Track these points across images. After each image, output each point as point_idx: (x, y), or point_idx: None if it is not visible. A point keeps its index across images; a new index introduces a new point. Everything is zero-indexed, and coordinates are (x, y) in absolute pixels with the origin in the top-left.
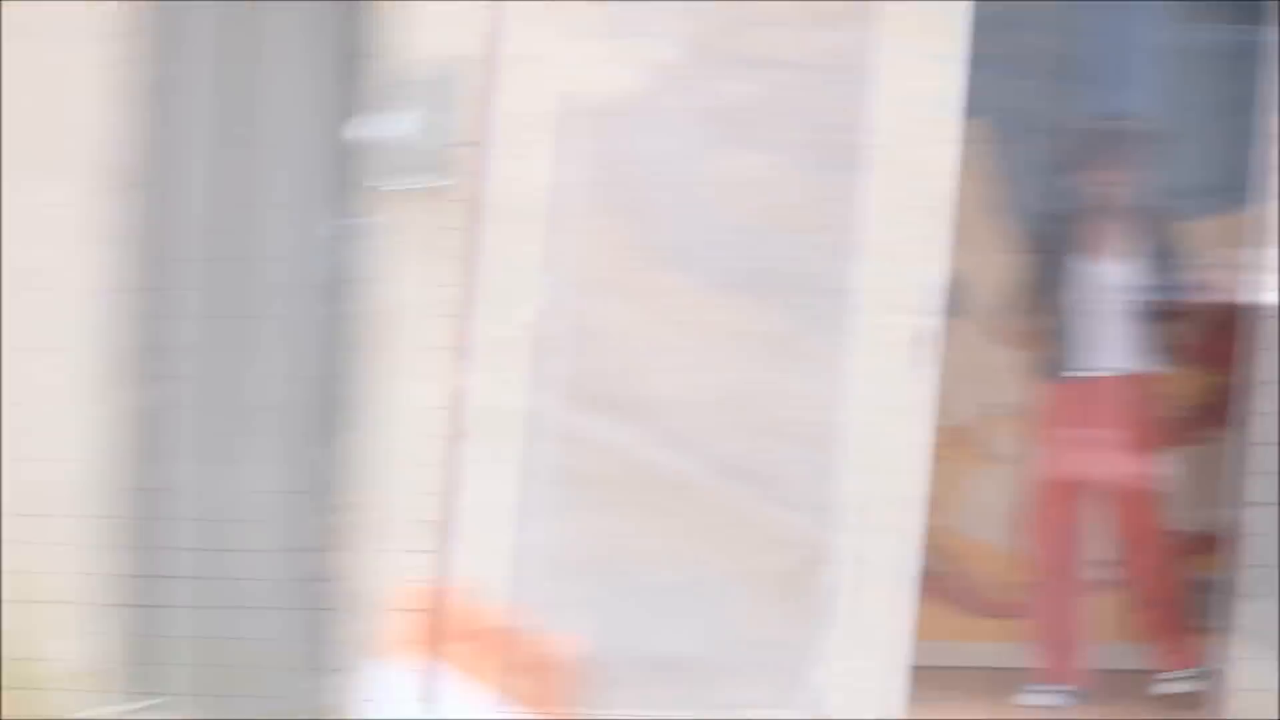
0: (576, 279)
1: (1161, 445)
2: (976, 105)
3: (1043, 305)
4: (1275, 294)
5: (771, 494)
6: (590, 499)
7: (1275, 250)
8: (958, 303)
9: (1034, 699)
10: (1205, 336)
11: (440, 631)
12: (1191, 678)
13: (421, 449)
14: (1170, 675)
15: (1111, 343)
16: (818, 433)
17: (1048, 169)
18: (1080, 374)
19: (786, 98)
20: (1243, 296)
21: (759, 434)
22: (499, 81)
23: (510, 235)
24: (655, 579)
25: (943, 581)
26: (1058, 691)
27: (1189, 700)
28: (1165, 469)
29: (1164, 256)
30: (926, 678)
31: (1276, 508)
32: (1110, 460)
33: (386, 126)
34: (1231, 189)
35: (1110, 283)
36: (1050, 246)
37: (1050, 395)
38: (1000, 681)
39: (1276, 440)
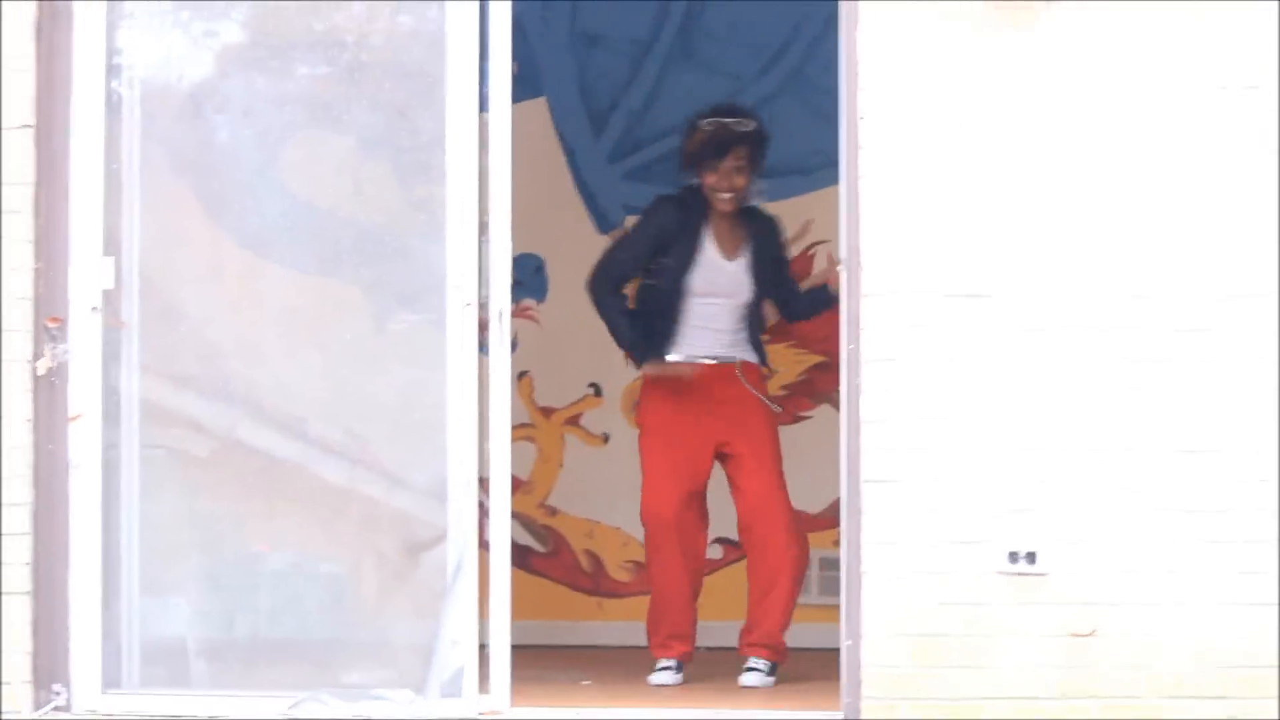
0: (159, 263)
1: (771, 427)
2: (542, 83)
3: (646, 291)
4: (870, 273)
5: (374, 475)
6: (190, 479)
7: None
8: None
9: (658, 678)
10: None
11: None
12: (772, 673)
13: (11, 434)
14: (757, 665)
15: (719, 331)
16: (416, 414)
17: (627, 150)
18: (691, 360)
19: (367, 79)
20: (840, 275)
21: (357, 416)
22: (63, 67)
23: (85, 219)
24: (268, 561)
25: (552, 561)
26: (667, 669)
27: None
28: (777, 451)
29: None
30: (535, 657)
31: (894, 485)
32: (724, 444)
33: None
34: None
35: (719, 272)
36: (658, 234)
37: (658, 380)
38: (610, 660)
39: (889, 418)
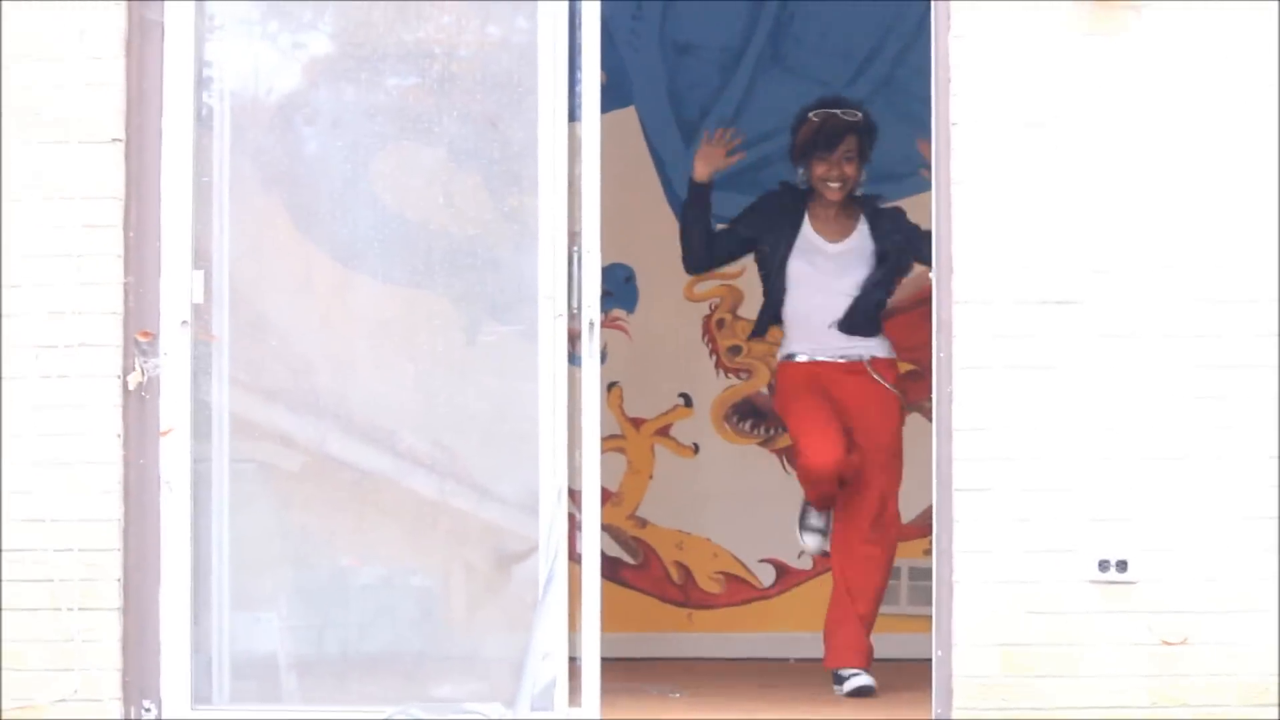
0: (249, 276)
1: (897, 431)
2: (632, 92)
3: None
4: (962, 279)
5: (464, 488)
6: (281, 493)
7: (954, 233)
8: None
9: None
10: (891, 322)
11: None
12: (868, 676)
13: (101, 449)
14: (852, 672)
15: (838, 323)
16: (507, 426)
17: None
18: (811, 358)
19: (456, 89)
20: (932, 279)
21: (447, 428)
22: (153, 80)
23: (175, 233)
24: (358, 575)
25: (642, 573)
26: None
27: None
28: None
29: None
30: (626, 670)
31: (986, 494)
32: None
33: None
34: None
35: (819, 254)
36: (755, 215)
37: (783, 379)
38: (701, 673)
39: (980, 426)
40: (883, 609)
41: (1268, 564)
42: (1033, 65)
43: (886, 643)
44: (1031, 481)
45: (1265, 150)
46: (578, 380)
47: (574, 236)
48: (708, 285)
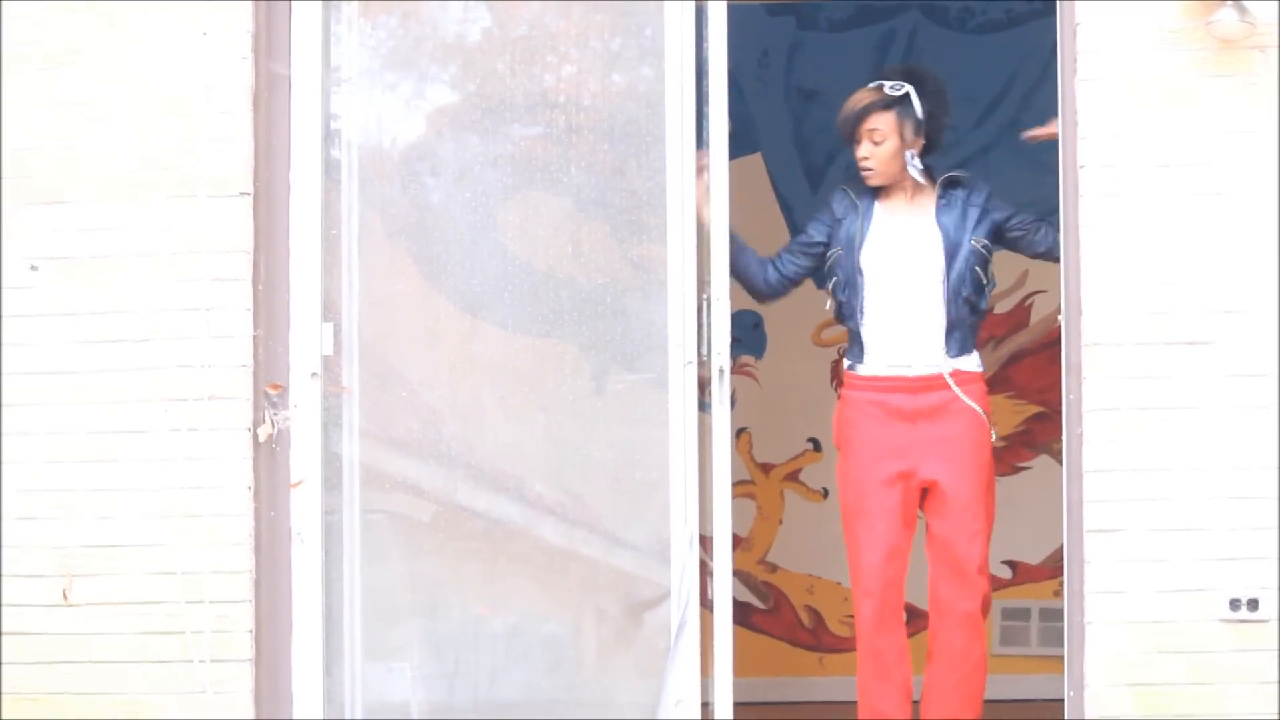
0: (377, 327)
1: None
2: (758, 138)
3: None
4: (1091, 322)
5: (595, 535)
6: (411, 543)
7: (1082, 272)
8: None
9: None
10: (1019, 364)
11: None
12: None
13: (232, 501)
14: None
15: (916, 327)
16: (638, 474)
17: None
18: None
19: (582, 138)
20: (1061, 321)
21: (574, 476)
22: (280, 134)
23: (303, 285)
24: (489, 623)
25: (773, 618)
26: None
27: None
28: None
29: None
30: (758, 714)
31: (1117, 535)
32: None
33: None
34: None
35: (896, 232)
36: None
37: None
38: (833, 715)
39: (1111, 468)
40: (1013, 650)
41: None
42: (1159, 108)
43: (1018, 684)
44: (1162, 522)
45: None
46: (708, 427)
47: (702, 284)
48: (835, 330)
